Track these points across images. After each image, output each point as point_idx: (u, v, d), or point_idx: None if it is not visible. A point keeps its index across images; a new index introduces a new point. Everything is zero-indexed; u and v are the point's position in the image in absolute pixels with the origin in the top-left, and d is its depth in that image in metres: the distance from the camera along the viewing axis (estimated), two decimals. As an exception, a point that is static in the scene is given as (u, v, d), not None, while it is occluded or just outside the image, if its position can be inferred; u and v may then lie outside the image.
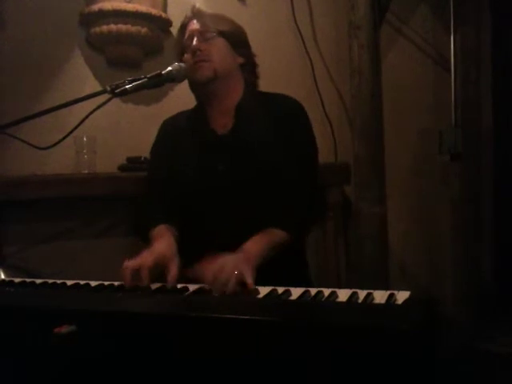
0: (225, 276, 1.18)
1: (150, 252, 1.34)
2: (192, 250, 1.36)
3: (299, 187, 1.52)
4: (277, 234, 1.44)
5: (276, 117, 1.55)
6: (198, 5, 1.64)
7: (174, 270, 1.28)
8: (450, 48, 2.54)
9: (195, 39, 1.56)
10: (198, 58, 1.53)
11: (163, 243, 1.40)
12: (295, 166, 1.52)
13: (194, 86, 1.67)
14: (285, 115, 1.56)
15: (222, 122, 1.58)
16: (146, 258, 1.29)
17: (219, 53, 1.56)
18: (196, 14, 1.62)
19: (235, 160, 1.53)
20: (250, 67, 1.64)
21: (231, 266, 1.21)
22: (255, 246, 1.38)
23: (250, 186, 1.51)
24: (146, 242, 1.52)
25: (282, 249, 1.44)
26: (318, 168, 1.62)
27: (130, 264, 1.27)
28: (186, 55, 1.58)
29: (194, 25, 1.59)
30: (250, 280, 1.19)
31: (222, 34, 1.58)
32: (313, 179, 1.58)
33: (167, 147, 1.65)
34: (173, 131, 1.67)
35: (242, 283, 1.18)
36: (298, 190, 1.52)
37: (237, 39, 1.62)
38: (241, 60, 1.62)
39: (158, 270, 1.30)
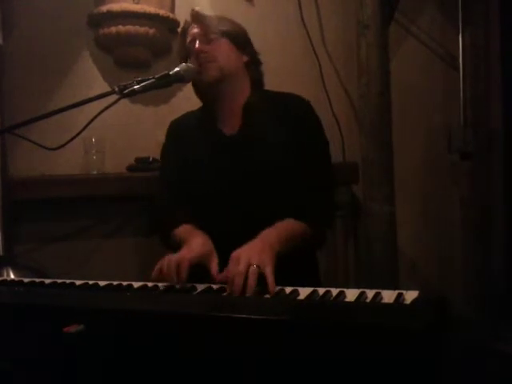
0: (240, 272, 1.10)
1: (190, 248, 1.29)
2: None
3: (312, 184, 1.50)
4: (296, 223, 1.40)
5: (284, 115, 1.54)
6: (196, 8, 1.61)
7: (215, 267, 1.25)
8: (458, 46, 2.53)
9: (197, 42, 1.54)
10: (203, 60, 1.52)
11: (200, 240, 1.35)
12: (306, 163, 1.50)
13: (201, 89, 1.65)
14: (293, 113, 1.55)
15: (230, 122, 1.57)
16: (185, 254, 1.24)
17: (223, 52, 1.54)
18: (195, 17, 1.60)
19: (244, 160, 1.52)
20: (254, 65, 1.63)
21: (246, 259, 1.13)
22: (274, 231, 1.30)
23: (261, 186, 1.50)
24: (167, 242, 1.52)
25: (303, 241, 1.40)
26: (331, 164, 1.60)
27: (174, 258, 1.21)
28: (190, 59, 1.57)
29: (195, 28, 1.58)
30: (269, 272, 1.11)
31: (224, 33, 1.56)
32: (326, 176, 1.55)
33: (176, 148, 1.64)
34: (181, 132, 1.66)
35: (261, 276, 1.10)
36: (311, 187, 1.49)
37: (239, 38, 1.60)
38: (245, 58, 1.60)
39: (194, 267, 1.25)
